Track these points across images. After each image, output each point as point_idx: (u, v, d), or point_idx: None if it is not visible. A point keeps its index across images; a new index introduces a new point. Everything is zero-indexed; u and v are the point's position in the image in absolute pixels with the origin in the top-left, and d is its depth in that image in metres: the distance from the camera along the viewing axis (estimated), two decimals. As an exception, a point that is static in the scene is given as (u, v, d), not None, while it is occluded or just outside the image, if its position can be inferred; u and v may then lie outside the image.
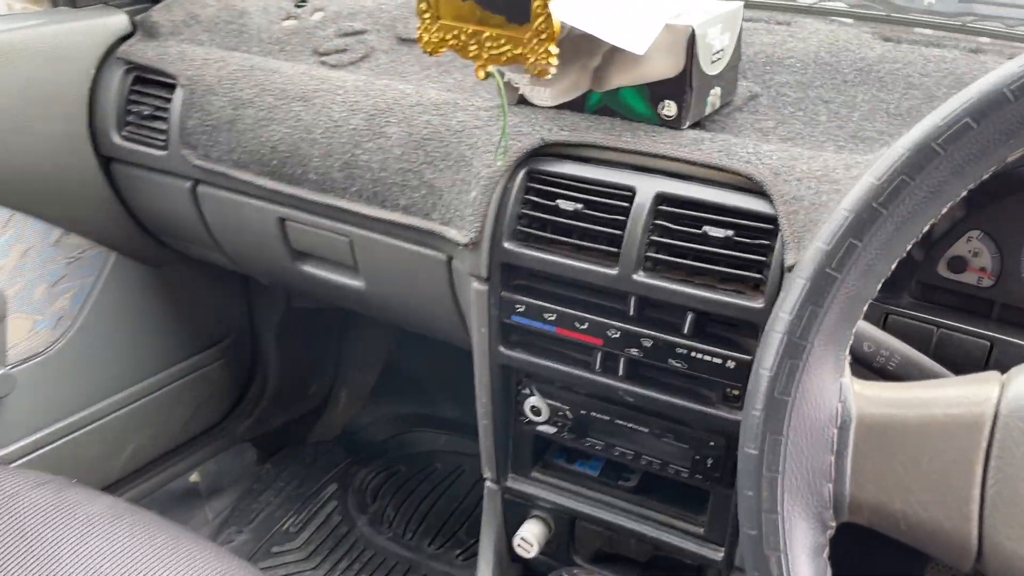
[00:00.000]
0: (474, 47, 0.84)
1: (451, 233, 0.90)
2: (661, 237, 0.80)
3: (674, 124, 0.84)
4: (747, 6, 1.11)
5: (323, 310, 1.69)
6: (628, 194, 0.82)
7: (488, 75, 0.84)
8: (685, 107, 0.84)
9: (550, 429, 0.95)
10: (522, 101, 0.92)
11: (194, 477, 1.58)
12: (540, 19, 0.78)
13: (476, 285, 0.90)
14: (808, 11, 1.10)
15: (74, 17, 1.21)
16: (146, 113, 1.18)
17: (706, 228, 0.78)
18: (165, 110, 1.16)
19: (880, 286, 0.46)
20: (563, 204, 0.84)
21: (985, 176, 0.44)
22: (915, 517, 0.44)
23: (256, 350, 1.68)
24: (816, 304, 0.44)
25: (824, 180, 0.75)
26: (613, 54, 0.85)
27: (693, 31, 0.81)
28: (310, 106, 1.03)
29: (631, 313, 0.83)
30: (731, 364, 0.79)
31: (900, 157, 0.44)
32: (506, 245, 0.86)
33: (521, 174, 0.86)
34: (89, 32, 1.21)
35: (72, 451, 1.36)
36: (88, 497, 0.88)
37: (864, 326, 0.58)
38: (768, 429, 0.45)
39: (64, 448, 1.35)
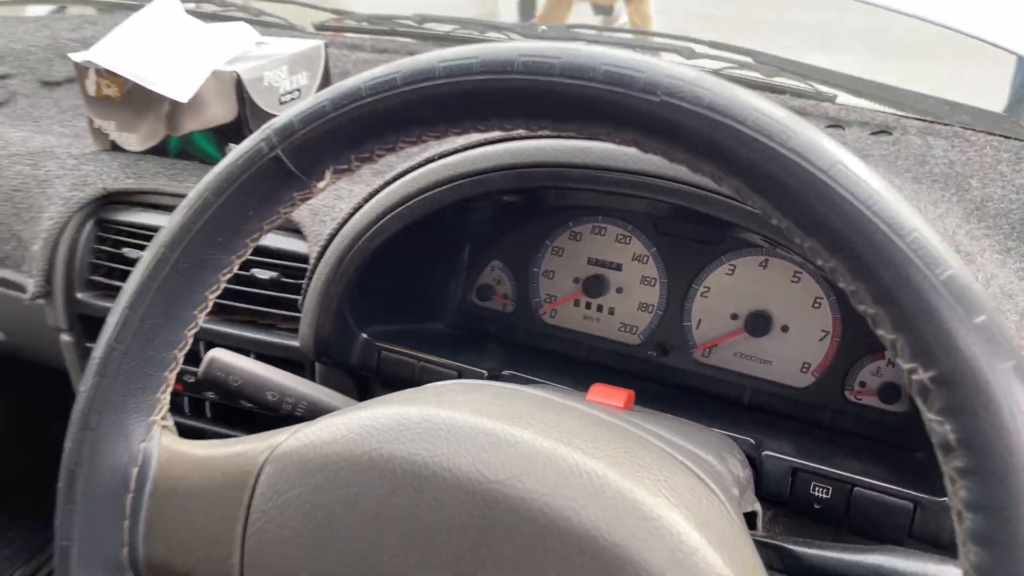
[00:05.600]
0: None
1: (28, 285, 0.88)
2: (218, 281, 0.81)
3: (243, 166, 0.85)
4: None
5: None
6: (186, 240, 0.82)
7: None
8: (249, 149, 0.84)
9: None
10: (115, 147, 0.91)
11: None
12: None
13: (63, 337, 0.88)
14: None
15: None
16: None
17: (254, 270, 0.79)
18: None
19: (179, 352, 0.47)
20: (128, 252, 0.84)
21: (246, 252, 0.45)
22: None
23: None
24: (104, 376, 0.45)
25: None
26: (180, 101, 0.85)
27: (239, 76, 0.82)
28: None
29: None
30: None
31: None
32: (79, 296, 0.85)
33: (89, 224, 0.85)
34: None
35: None
36: None
37: (271, 374, 0.60)
38: (65, 499, 0.46)
39: None
